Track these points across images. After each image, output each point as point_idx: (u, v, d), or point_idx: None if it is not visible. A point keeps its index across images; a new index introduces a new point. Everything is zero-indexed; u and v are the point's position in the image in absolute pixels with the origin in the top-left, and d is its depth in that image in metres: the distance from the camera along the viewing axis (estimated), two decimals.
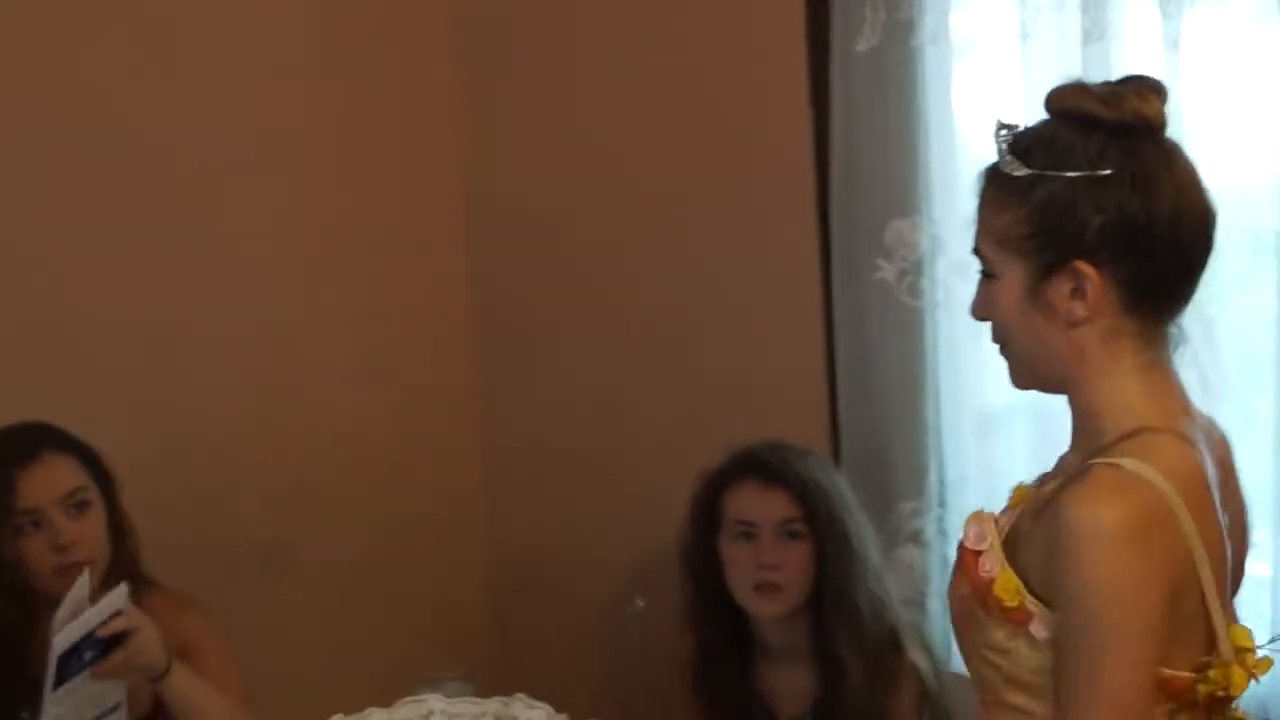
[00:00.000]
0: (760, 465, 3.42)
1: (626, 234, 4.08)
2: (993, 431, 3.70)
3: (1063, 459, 2.39)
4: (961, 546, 2.37)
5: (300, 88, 4.20)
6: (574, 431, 4.24)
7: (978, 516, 2.35)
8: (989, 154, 3.10)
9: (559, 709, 3.30)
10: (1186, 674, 2.18)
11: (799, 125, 3.76)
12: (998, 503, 3.35)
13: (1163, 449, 2.18)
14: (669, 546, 3.57)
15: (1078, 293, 2.21)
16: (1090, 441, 2.26)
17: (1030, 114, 3.22)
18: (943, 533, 3.75)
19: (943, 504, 3.75)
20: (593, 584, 4.19)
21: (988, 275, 2.31)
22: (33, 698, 3.18)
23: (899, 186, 3.69)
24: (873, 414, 3.79)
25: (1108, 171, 2.20)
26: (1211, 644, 2.20)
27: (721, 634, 3.47)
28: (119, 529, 3.37)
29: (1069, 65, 3.35)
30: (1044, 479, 2.41)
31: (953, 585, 2.40)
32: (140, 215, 3.83)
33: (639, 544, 3.94)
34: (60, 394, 3.59)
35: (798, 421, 3.77)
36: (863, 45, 3.54)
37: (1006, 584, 2.23)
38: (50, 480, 3.31)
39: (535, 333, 4.29)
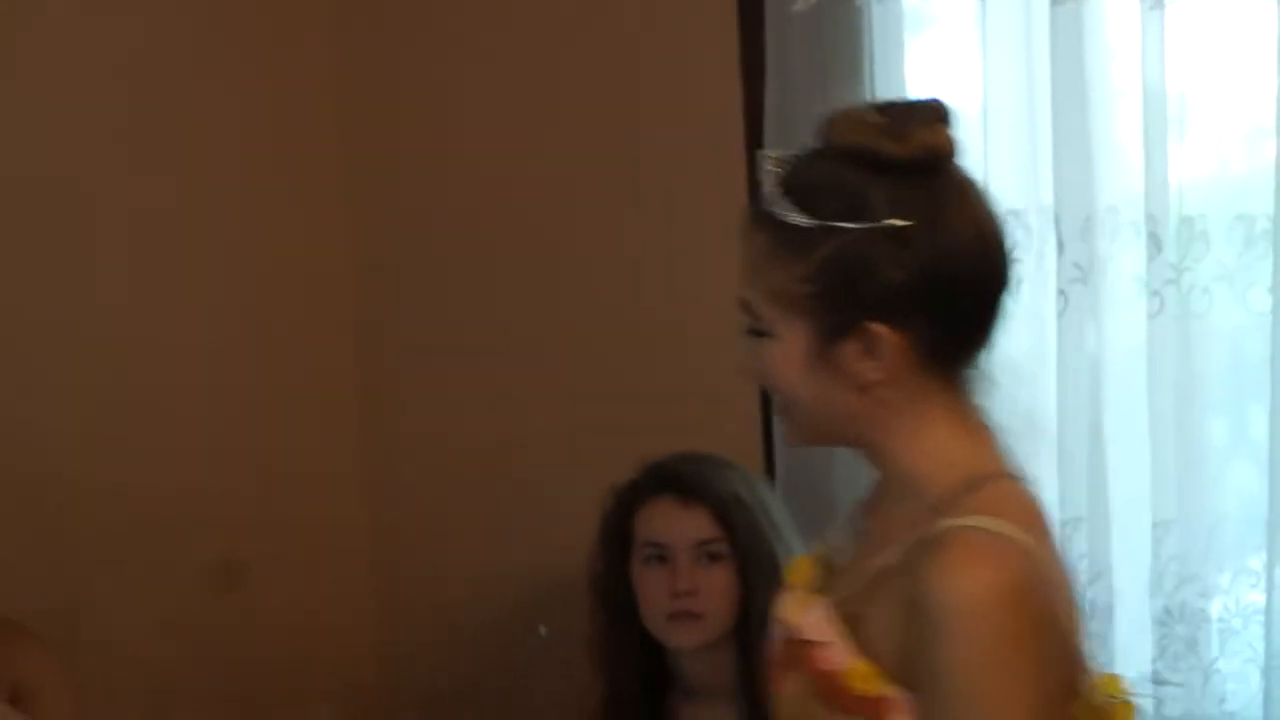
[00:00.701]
0: (675, 480, 3.15)
1: (533, 227, 3.80)
2: None
3: (864, 526, 2.20)
4: (789, 639, 2.16)
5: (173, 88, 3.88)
6: (472, 440, 3.94)
7: (804, 599, 2.18)
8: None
9: None
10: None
11: (729, 101, 3.49)
12: None
13: (1007, 497, 2.03)
14: (578, 570, 3.26)
15: (871, 354, 2.01)
16: (910, 504, 2.05)
17: (992, 88, 3.20)
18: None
19: None
20: (490, 610, 3.94)
21: (762, 334, 2.09)
22: None
23: None
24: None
25: (906, 222, 1.98)
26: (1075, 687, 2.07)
27: (635, 669, 3.17)
28: None
29: (1036, 27, 3.18)
30: (832, 550, 2.25)
31: (776, 683, 2.21)
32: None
33: (544, 567, 3.70)
34: None
35: (726, 432, 3.52)
36: (799, 4, 3.30)
37: (863, 673, 2.01)
38: None
39: (428, 336, 3.97)
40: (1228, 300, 3.13)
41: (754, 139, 3.44)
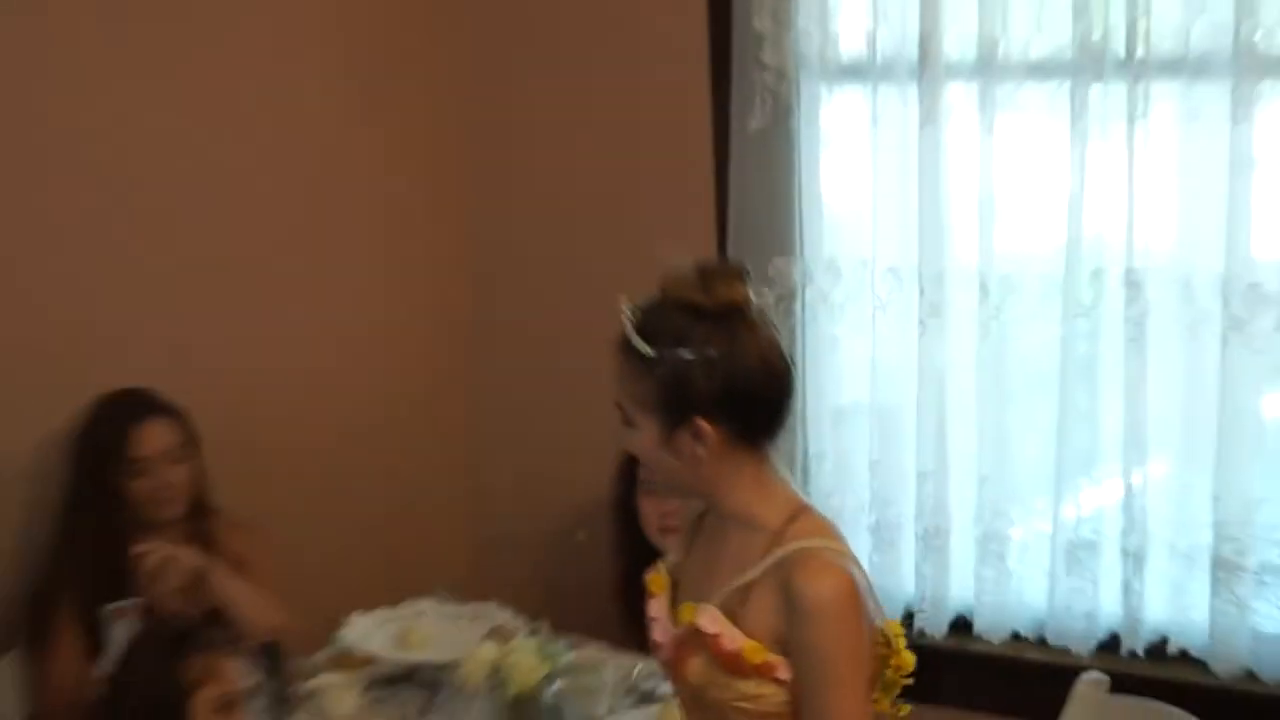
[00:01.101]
0: None
1: (593, 237, 4.56)
2: (842, 421, 4.24)
3: (697, 561, 2.76)
4: (695, 634, 2.63)
5: (317, 81, 4.47)
6: (555, 377, 4.68)
7: (696, 609, 2.64)
8: (849, 210, 3.92)
9: (521, 613, 3.87)
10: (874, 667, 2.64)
11: (703, 187, 4.33)
12: (849, 476, 4.20)
13: (816, 521, 2.63)
14: (605, 494, 4.02)
15: (697, 438, 2.54)
16: (748, 534, 2.64)
17: (879, 183, 3.95)
18: (806, 489, 4.12)
19: (805, 475, 4.24)
20: (550, 519, 4.67)
21: (629, 424, 2.63)
22: (120, 595, 3.57)
23: (778, 229, 4.18)
24: None
25: (712, 353, 2.53)
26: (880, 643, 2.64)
27: (638, 563, 3.42)
28: (198, 472, 3.79)
29: (908, 143, 3.94)
30: (686, 582, 2.76)
31: (680, 665, 2.70)
32: (159, 211, 4.07)
33: (586, 489, 4.32)
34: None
35: None
36: (754, 125, 4.09)
37: (753, 648, 2.54)
38: (156, 436, 3.72)
39: (531, 284, 4.70)
40: (1030, 331, 3.94)
41: (721, 211, 4.25)
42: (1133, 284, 3.76)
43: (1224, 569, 3.75)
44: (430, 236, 4.86)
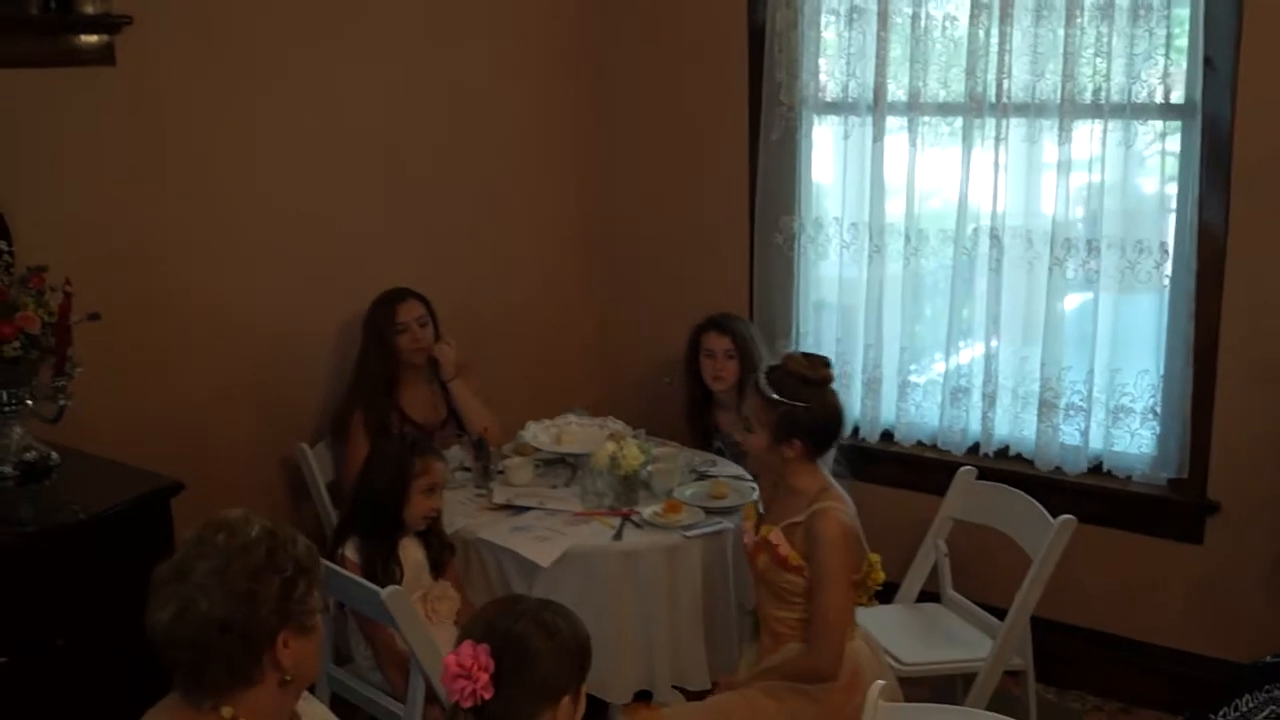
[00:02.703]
0: (718, 323, 4.51)
1: (692, 202, 5.11)
2: (819, 313, 4.88)
3: (773, 505, 3.25)
4: (766, 543, 3.16)
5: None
6: (651, 287, 5.25)
7: (773, 531, 3.16)
8: (828, 188, 4.28)
9: (630, 424, 4.37)
10: (859, 578, 3.19)
11: (743, 169, 4.93)
12: (821, 347, 4.57)
13: (835, 492, 3.20)
14: (681, 354, 4.66)
15: (790, 448, 3.14)
16: (798, 500, 3.17)
17: (846, 170, 4.46)
18: None
19: (797, 343, 4.85)
20: (649, 367, 5.16)
21: (749, 430, 3.21)
22: (391, 409, 4.17)
23: (786, 199, 4.82)
24: (769, 299, 4.91)
25: (811, 405, 3.14)
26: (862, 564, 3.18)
27: (699, 397, 4.61)
28: (436, 334, 4.32)
29: (866, 150, 4.54)
30: (768, 515, 3.23)
31: (754, 557, 3.24)
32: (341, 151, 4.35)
33: (670, 350, 4.82)
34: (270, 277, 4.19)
35: (736, 304, 4.90)
36: (774, 136, 4.77)
37: (794, 556, 3.14)
38: (410, 309, 4.26)
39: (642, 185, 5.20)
40: (934, 263, 4.57)
41: (753, 187, 4.82)
42: (995, 236, 4.39)
43: (1045, 406, 4.41)
44: (572, 185, 5.24)
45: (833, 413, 3.20)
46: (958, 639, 3.95)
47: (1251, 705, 1.89)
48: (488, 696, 2.11)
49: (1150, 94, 4.13)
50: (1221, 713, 1.92)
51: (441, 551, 3.71)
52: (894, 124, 4.56)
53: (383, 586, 3.28)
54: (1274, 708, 1.87)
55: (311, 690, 3.40)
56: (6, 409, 3.29)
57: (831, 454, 3.38)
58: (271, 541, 2.09)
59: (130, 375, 3.81)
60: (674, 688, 3.81)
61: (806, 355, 3.23)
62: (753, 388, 3.20)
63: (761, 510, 3.39)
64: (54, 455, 3.38)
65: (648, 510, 3.90)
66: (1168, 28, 4.09)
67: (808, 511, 3.12)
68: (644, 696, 3.81)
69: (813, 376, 3.16)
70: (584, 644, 2.24)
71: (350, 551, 3.56)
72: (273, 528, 2.12)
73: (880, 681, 2.64)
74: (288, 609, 2.07)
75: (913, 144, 4.53)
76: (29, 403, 3.32)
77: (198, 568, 2.03)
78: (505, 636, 2.16)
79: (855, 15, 4.56)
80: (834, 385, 3.24)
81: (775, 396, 3.14)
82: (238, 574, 2.03)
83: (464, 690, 2.09)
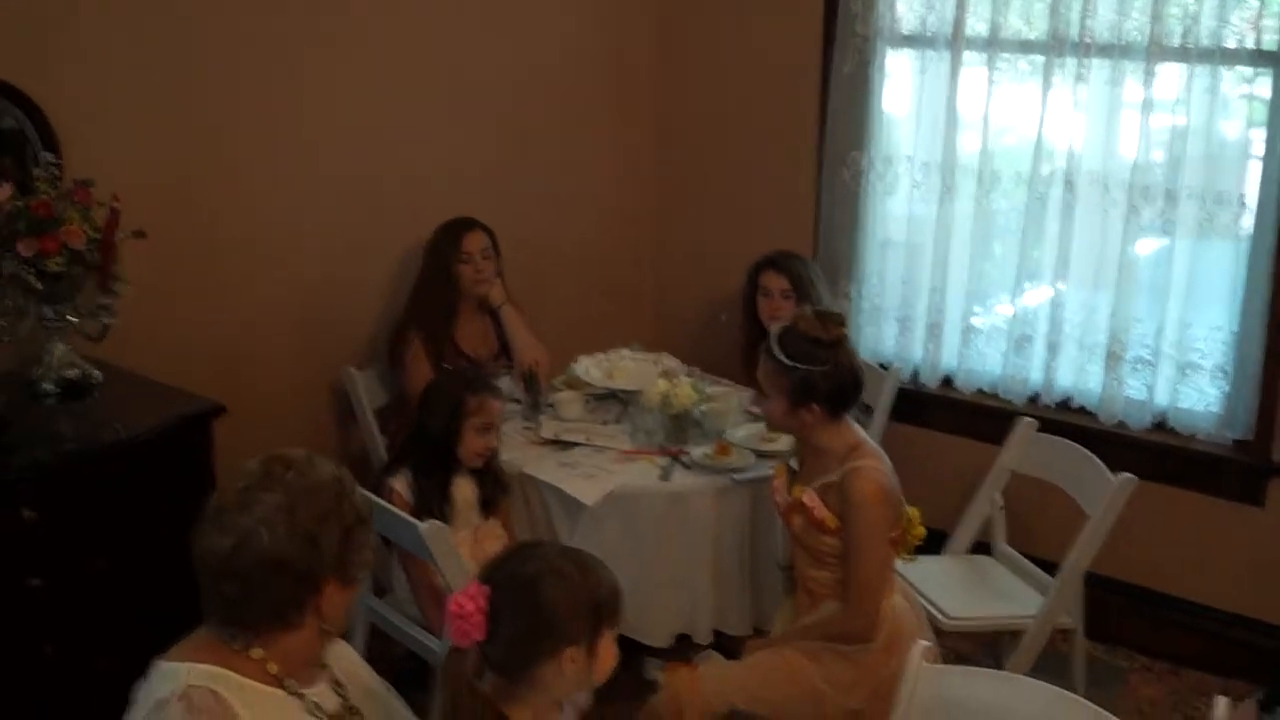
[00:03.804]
0: (776, 262, 4.43)
1: (758, 135, 5.05)
2: (884, 253, 4.83)
3: (805, 463, 3.17)
4: (800, 504, 3.08)
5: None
6: (709, 224, 5.25)
7: (806, 493, 3.08)
8: (900, 124, 4.28)
9: (684, 362, 4.47)
10: (898, 535, 3.10)
11: (813, 104, 4.88)
12: (886, 288, 4.57)
13: (869, 449, 3.10)
14: (738, 292, 4.59)
15: (809, 413, 3.05)
16: (826, 458, 3.10)
17: (921, 103, 4.37)
18: (861, 295, 4.81)
19: (861, 283, 4.83)
20: (705, 305, 5.19)
21: (765, 395, 3.12)
22: (449, 336, 4.16)
23: (856, 134, 4.75)
24: (833, 238, 4.87)
25: (826, 367, 3.04)
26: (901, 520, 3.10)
27: (754, 336, 4.31)
28: (498, 268, 4.29)
29: (941, 86, 4.47)
30: (800, 474, 3.15)
31: (789, 518, 3.18)
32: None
33: (727, 288, 4.81)
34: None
35: (800, 241, 4.85)
36: (846, 69, 4.70)
37: (829, 516, 3.06)
38: (476, 240, 4.24)
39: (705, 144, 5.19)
40: (1006, 205, 4.49)
41: (822, 120, 4.77)
42: (1069, 179, 4.31)
43: (1111, 359, 4.35)
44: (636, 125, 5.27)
45: (849, 373, 3.11)
46: (1006, 594, 3.92)
47: None
48: (479, 637, 2.06)
49: (1240, 39, 4.01)
50: None
51: (495, 489, 3.72)
52: (971, 59, 4.47)
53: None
54: None
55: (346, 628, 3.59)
56: (50, 325, 3.30)
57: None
58: (339, 487, 2.08)
59: (178, 298, 3.83)
60: (715, 631, 3.80)
61: (819, 313, 3.12)
62: (765, 352, 3.12)
63: (795, 466, 3.33)
64: (96, 374, 3.40)
65: (697, 451, 3.88)
66: None
67: (840, 471, 3.06)
68: (684, 640, 3.80)
69: (826, 337, 3.06)
70: (602, 596, 2.15)
71: (400, 485, 3.58)
72: (339, 473, 2.11)
73: (923, 643, 2.59)
74: (345, 558, 2.05)
75: (991, 81, 4.43)
76: (72, 319, 3.32)
77: (264, 500, 2.01)
78: (510, 578, 2.11)
79: None
80: (848, 342, 3.15)
81: (788, 361, 3.06)
82: (305, 515, 2.01)
83: (459, 630, 2.05)
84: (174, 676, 2.00)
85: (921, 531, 3.17)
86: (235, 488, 2.04)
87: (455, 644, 2.07)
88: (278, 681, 2.07)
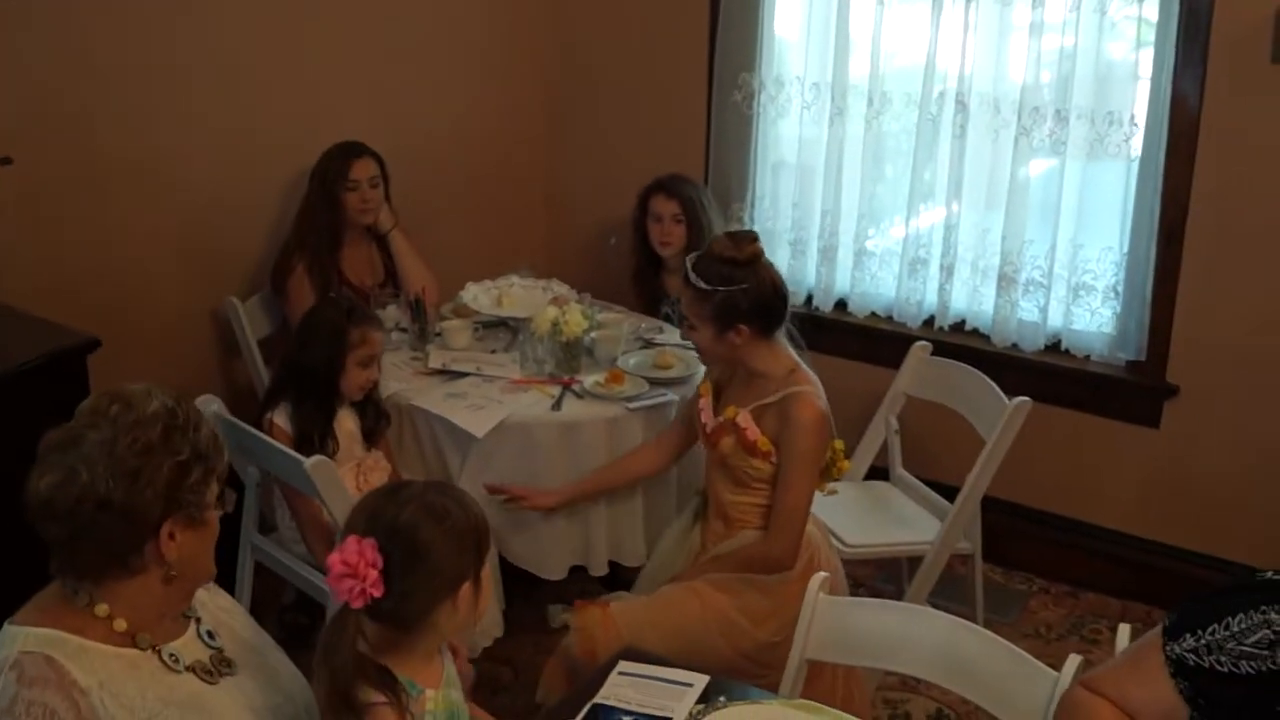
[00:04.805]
0: (665, 185, 4.46)
1: (648, 57, 4.99)
2: (777, 175, 4.81)
3: (732, 387, 3.16)
4: (733, 425, 3.09)
5: None
6: (599, 147, 5.18)
7: (740, 414, 3.09)
8: (790, 44, 4.18)
9: (574, 287, 4.31)
10: (824, 465, 3.13)
11: (703, 25, 4.78)
12: (779, 210, 4.55)
13: (804, 373, 3.12)
14: (629, 215, 4.60)
15: (738, 335, 3.06)
16: (764, 382, 3.11)
17: (811, 29, 4.33)
18: (753, 219, 4.77)
19: (753, 207, 4.83)
20: (594, 228, 5.17)
21: (692, 327, 3.15)
22: (334, 262, 4.12)
23: (746, 55, 4.69)
24: (724, 160, 4.83)
25: (745, 285, 3.04)
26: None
27: (645, 260, 4.57)
28: (387, 195, 4.28)
29: (831, 6, 4.40)
30: (732, 396, 3.13)
31: (716, 439, 3.16)
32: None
33: (617, 211, 4.78)
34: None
35: (692, 164, 4.85)
36: None
37: (763, 439, 3.08)
38: (364, 168, 4.17)
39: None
40: (897, 127, 4.49)
41: (712, 41, 4.69)
42: (961, 101, 4.30)
43: (1004, 280, 4.37)
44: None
45: (771, 288, 3.10)
46: (905, 520, 3.94)
47: (1244, 625, 1.83)
48: (378, 594, 1.97)
49: None
50: (1210, 629, 1.86)
51: (376, 421, 3.66)
52: None
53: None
54: (1268, 631, 1.80)
55: (230, 569, 3.49)
56: None
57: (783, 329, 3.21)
58: (170, 420, 1.95)
59: (55, 228, 3.73)
60: (610, 563, 3.79)
61: (730, 234, 3.12)
62: (684, 283, 3.11)
63: (715, 386, 3.31)
64: None
65: (589, 379, 3.83)
66: None
67: (780, 394, 3.07)
68: (578, 573, 3.78)
69: (740, 256, 3.06)
70: (478, 525, 2.09)
71: (280, 419, 3.50)
72: (174, 406, 1.98)
73: (822, 574, 2.57)
74: (177, 496, 1.94)
75: (881, 2, 4.41)
76: None
77: (87, 438, 1.91)
78: (392, 527, 2.01)
79: None
80: (764, 254, 3.14)
81: (706, 286, 3.06)
82: (126, 450, 1.90)
83: (352, 590, 1.95)
84: (9, 642, 1.91)
85: (847, 465, 3.22)
86: (64, 427, 1.95)
87: (349, 604, 1.97)
88: (129, 639, 1.98)
